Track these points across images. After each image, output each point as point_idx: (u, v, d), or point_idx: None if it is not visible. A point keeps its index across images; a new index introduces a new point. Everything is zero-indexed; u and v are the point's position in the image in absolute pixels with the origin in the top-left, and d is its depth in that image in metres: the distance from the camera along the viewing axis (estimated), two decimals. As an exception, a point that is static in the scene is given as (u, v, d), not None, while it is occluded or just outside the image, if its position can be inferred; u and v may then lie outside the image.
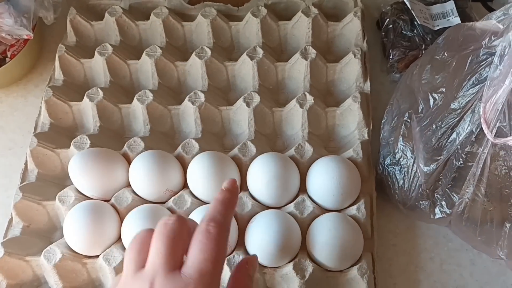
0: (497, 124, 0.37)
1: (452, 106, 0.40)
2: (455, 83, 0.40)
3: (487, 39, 0.38)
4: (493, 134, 0.36)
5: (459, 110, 0.40)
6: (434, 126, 0.42)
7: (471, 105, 0.39)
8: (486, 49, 0.37)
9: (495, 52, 0.36)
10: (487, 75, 0.36)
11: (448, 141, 0.41)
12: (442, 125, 0.41)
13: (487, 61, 0.37)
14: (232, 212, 0.36)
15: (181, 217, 0.33)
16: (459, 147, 0.41)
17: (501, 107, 0.36)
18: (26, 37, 0.57)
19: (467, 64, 0.39)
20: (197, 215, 0.46)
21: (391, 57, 0.56)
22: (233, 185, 0.37)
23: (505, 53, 0.34)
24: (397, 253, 0.50)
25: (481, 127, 0.39)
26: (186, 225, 0.33)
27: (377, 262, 0.47)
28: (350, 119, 0.53)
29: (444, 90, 0.42)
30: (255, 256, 0.40)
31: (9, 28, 0.55)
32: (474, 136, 0.40)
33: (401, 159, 0.46)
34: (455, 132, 0.41)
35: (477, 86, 0.38)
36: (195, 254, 0.31)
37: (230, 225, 0.35)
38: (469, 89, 0.39)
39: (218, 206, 0.35)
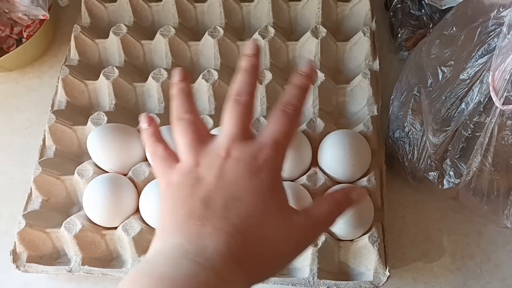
0: (505, 94, 0.38)
1: (461, 77, 0.41)
2: (464, 54, 0.41)
3: (495, 11, 0.39)
4: (501, 102, 0.38)
5: (468, 80, 0.41)
6: (443, 98, 0.43)
7: (480, 75, 0.40)
8: (494, 20, 0.39)
9: (504, 22, 0.37)
10: (496, 45, 0.38)
11: (457, 111, 0.43)
12: (451, 96, 0.42)
13: (496, 31, 0.39)
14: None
15: (249, 92, 0.38)
16: (467, 117, 0.42)
17: (509, 76, 0.37)
18: (42, 17, 0.59)
19: (476, 36, 0.40)
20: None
21: (399, 35, 0.57)
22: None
23: (514, 22, 0.36)
24: (406, 225, 0.51)
25: (489, 97, 0.40)
26: (253, 100, 0.38)
27: (387, 233, 0.48)
28: (360, 96, 0.54)
29: (452, 63, 0.43)
30: (364, 191, 0.42)
31: (26, 8, 0.57)
32: (482, 106, 0.41)
33: (410, 132, 0.48)
34: (463, 103, 0.42)
35: (486, 56, 0.40)
36: (272, 127, 0.36)
37: (304, 105, 0.38)
38: (477, 60, 0.40)
39: (295, 91, 0.38)
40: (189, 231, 0.33)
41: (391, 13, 0.59)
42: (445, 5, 0.56)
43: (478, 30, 0.40)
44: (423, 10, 0.56)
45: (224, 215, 0.33)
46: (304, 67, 0.39)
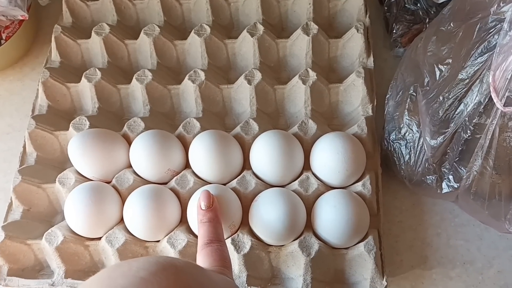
0: (507, 94, 0.36)
1: (460, 77, 0.39)
2: (463, 52, 0.39)
3: (495, 6, 0.36)
4: (503, 103, 0.35)
5: (467, 80, 0.39)
6: (441, 98, 0.41)
7: (480, 75, 0.38)
8: (494, 15, 0.36)
9: (505, 18, 0.35)
10: (496, 42, 0.35)
11: (456, 113, 0.40)
12: (449, 97, 0.40)
13: (496, 28, 0.36)
14: (220, 224, 0.42)
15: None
16: (466, 118, 0.40)
17: (511, 76, 0.35)
18: (21, 18, 0.56)
19: (475, 32, 0.38)
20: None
21: (394, 31, 0.55)
22: (209, 201, 0.42)
23: (515, 18, 0.33)
24: (403, 230, 0.49)
25: (490, 98, 0.38)
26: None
27: (383, 239, 0.46)
28: (354, 95, 0.52)
29: (450, 61, 0.41)
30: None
31: (4, 9, 0.54)
32: (482, 107, 0.39)
33: (407, 134, 0.46)
34: (462, 103, 0.40)
35: (486, 55, 0.37)
36: (209, 260, 0.38)
37: (222, 233, 0.41)
38: (477, 58, 0.38)
39: (209, 228, 0.41)
40: None
41: (386, 8, 0.57)
42: (442, -1, 0.54)
43: (477, 26, 0.38)
44: (418, 4, 0.54)
45: None
46: (202, 200, 0.42)
